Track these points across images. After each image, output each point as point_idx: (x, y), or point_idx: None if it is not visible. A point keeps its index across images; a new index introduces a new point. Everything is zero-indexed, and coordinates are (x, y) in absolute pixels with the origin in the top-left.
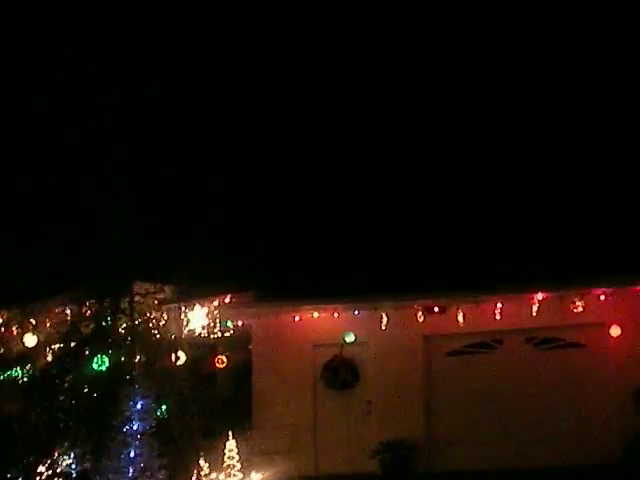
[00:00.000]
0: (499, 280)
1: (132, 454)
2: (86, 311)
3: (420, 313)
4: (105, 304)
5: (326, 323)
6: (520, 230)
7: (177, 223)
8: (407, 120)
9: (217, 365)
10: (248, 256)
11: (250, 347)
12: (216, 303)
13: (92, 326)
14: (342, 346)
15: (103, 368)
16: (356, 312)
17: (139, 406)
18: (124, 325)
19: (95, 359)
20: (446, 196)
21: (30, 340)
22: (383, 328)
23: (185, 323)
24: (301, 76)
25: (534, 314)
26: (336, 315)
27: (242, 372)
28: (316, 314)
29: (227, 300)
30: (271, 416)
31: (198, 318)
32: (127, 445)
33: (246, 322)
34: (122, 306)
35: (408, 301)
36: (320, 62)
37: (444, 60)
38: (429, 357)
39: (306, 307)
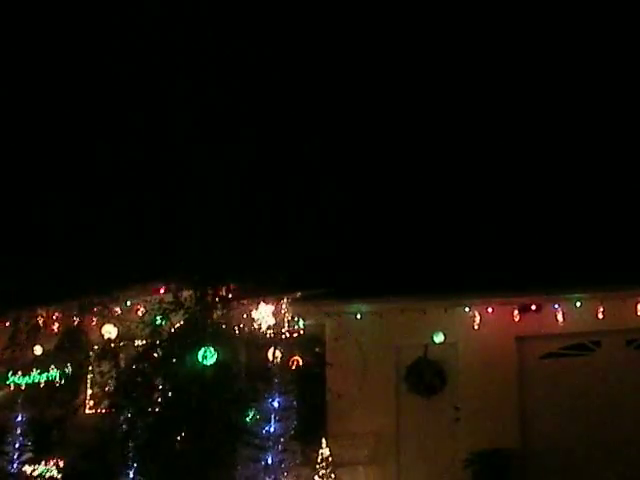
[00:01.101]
0: (601, 276)
1: (270, 460)
2: (179, 302)
3: (516, 312)
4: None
5: (411, 322)
6: (622, 225)
7: (249, 219)
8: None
9: (291, 367)
10: (325, 251)
11: (317, 349)
12: (287, 300)
13: (186, 317)
14: (427, 347)
15: (209, 362)
16: (445, 310)
17: (276, 404)
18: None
19: (202, 351)
20: (537, 188)
21: (110, 331)
22: (476, 327)
23: (262, 321)
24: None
25: (639, 314)
26: (424, 313)
27: (315, 375)
28: (401, 312)
29: (298, 297)
30: (348, 423)
31: (267, 316)
32: (264, 450)
33: (318, 321)
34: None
35: (504, 298)
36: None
37: (448, 58)
38: (522, 360)
39: (390, 305)
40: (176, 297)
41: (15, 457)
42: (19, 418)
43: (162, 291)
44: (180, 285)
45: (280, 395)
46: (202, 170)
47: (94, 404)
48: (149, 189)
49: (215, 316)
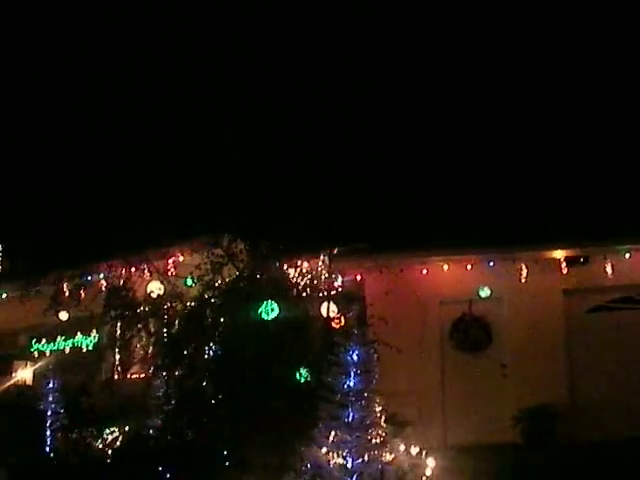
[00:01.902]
0: None
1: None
2: (230, 255)
3: (564, 264)
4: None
5: (456, 276)
6: None
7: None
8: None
9: (333, 325)
10: (365, 205)
11: (355, 307)
12: (324, 257)
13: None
14: (471, 302)
15: (270, 317)
16: (491, 264)
17: (355, 357)
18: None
19: (264, 305)
20: (587, 138)
21: (156, 288)
22: (523, 281)
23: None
24: None
25: None
26: (469, 267)
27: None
28: (446, 266)
29: (338, 252)
30: (392, 382)
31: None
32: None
33: (360, 277)
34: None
35: (551, 250)
36: None
37: None
38: (569, 314)
39: (435, 258)
40: (227, 251)
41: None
42: (66, 384)
43: (210, 245)
44: (231, 239)
45: (359, 348)
46: (243, 128)
47: (139, 367)
48: (196, 144)
49: (269, 271)
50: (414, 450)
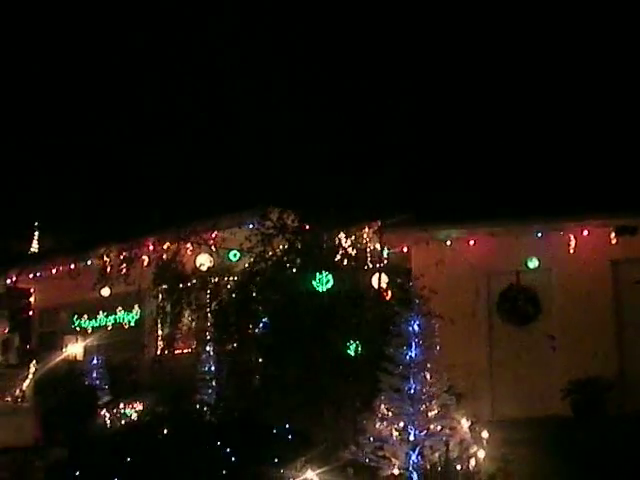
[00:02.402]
0: None
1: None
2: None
3: (612, 234)
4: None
5: (504, 248)
6: None
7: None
8: None
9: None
10: (414, 175)
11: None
12: (372, 229)
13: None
14: (519, 274)
15: (324, 288)
16: (539, 234)
17: (417, 328)
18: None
19: (320, 276)
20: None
21: (205, 261)
22: (571, 252)
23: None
24: None
25: None
26: (516, 238)
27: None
28: (493, 237)
29: (385, 224)
30: (440, 354)
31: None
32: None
33: (406, 249)
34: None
35: (600, 220)
36: None
37: None
38: (618, 284)
39: (483, 229)
40: (277, 222)
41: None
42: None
43: (260, 217)
44: (281, 210)
45: (420, 318)
46: (291, 99)
47: (185, 343)
48: (244, 116)
49: (320, 242)
50: (469, 423)
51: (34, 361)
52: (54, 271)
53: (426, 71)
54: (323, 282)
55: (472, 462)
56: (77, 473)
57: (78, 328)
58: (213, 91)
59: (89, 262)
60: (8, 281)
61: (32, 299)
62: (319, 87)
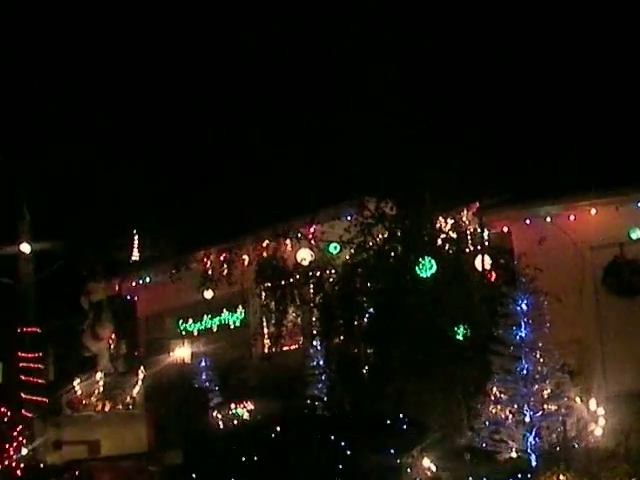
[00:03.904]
0: None
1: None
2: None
3: None
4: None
5: (604, 220)
6: None
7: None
8: None
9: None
10: (506, 155)
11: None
12: (471, 210)
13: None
14: (623, 245)
15: (428, 274)
16: (639, 205)
17: (525, 307)
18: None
19: (422, 262)
20: None
21: (305, 256)
22: None
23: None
24: None
25: None
26: (617, 209)
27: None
28: (594, 211)
29: (483, 205)
30: (549, 333)
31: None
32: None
33: (506, 229)
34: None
35: None
36: None
37: None
38: None
39: (582, 203)
40: (376, 212)
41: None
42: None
43: (357, 207)
44: (378, 199)
45: (527, 297)
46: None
47: (292, 339)
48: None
49: (420, 228)
50: (584, 400)
51: (142, 367)
52: (156, 277)
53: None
54: (427, 268)
55: (591, 439)
56: (193, 475)
57: (184, 332)
58: (303, 80)
59: (190, 266)
60: (112, 290)
61: (137, 307)
62: (410, 68)
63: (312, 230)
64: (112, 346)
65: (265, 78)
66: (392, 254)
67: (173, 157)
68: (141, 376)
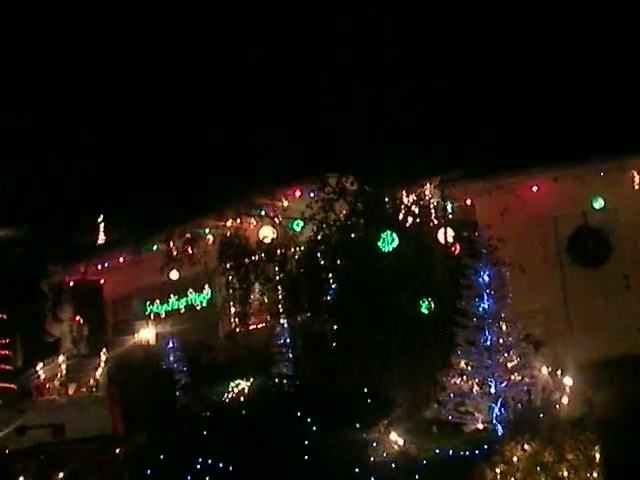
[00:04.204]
0: None
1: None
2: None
3: None
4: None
5: (567, 190)
6: None
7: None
8: None
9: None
10: (467, 126)
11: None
12: (434, 184)
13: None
14: (586, 215)
15: (389, 248)
16: (602, 174)
17: (487, 278)
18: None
19: (384, 236)
20: None
21: (268, 233)
22: (637, 188)
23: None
24: None
25: None
26: (579, 180)
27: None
28: (556, 181)
29: (446, 178)
30: (515, 303)
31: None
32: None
33: (470, 201)
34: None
35: None
36: None
37: None
38: None
39: (545, 174)
40: (337, 187)
41: None
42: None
43: (319, 183)
44: (339, 175)
45: (489, 268)
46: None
47: (258, 317)
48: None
49: (382, 202)
50: (549, 370)
51: (105, 350)
52: (122, 260)
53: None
54: (388, 242)
55: (556, 409)
56: (160, 457)
57: (151, 314)
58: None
59: (154, 247)
60: (77, 274)
61: (103, 290)
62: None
63: (274, 208)
64: (75, 329)
65: (230, 52)
66: (354, 229)
67: (136, 136)
68: (104, 358)
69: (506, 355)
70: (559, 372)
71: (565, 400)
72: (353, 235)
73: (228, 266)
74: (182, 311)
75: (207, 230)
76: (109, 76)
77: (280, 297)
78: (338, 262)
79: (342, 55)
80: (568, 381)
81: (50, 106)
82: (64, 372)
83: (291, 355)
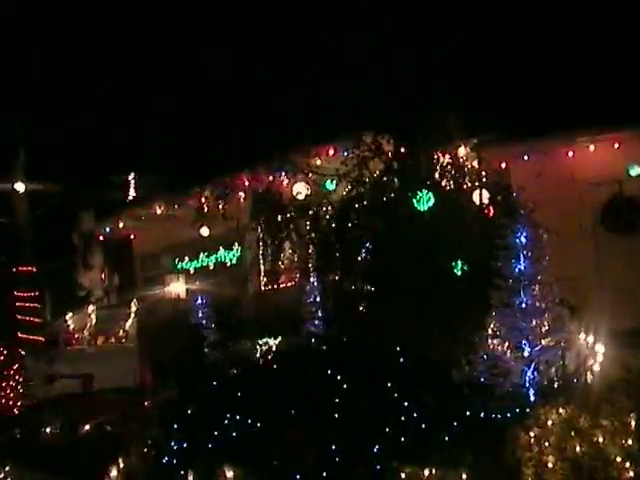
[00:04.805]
0: None
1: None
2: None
3: None
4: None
5: (604, 157)
6: None
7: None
8: None
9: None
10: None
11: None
12: (470, 146)
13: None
14: (621, 183)
15: (425, 208)
16: (638, 141)
17: (524, 239)
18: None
19: (420, 195)
20: None
21: (301, 190)
22: None
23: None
24: None
25: None
26: (616, 146)
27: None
28: (592, 147)
29: (481, 140)
30: (545, 269)
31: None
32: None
33: (504, 165)
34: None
35: None
36: None
37: None
38: None
39: (581, 139)
40: (372, 144)
41: None
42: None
43: (355, 141)
44: (375, 133)
45: (526, 229)
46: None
47: (288, 276)
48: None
49: (418, 162)
50: (584, 335)
51: (135, 301)
52: (152, 216)
53: None
54: (424, 201)
55: (590, 375)
56: (188, 411)
57: (180, 270)
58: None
59: (187, 203)
60: (108, 229)
61: (133, 245)
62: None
63: (309, 163)
64: (105, 279)
65: (261, 11)
66: (389, 188)
67: (168, 94)
68: (134, 309)
69: (541, 318)
70: (592, 338)
71: (598, 367)
72: (387, 194)
73: (260, 221)
74: (211, 268)
75: (240, 186)
76: (144, 32)
77: (311, 255)
78: (371, 221)
79: (378, 14)
80: (601, 348)
81: (83, 60)
82: (94, 322)
83: (321, 314)
